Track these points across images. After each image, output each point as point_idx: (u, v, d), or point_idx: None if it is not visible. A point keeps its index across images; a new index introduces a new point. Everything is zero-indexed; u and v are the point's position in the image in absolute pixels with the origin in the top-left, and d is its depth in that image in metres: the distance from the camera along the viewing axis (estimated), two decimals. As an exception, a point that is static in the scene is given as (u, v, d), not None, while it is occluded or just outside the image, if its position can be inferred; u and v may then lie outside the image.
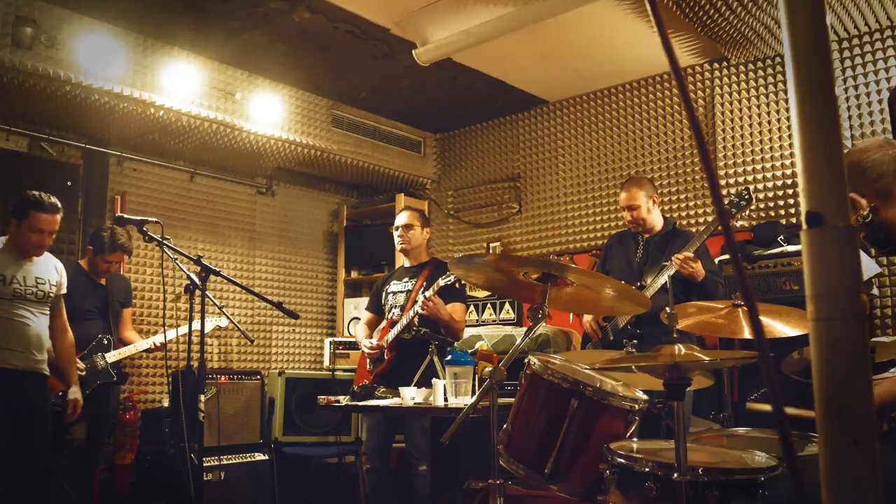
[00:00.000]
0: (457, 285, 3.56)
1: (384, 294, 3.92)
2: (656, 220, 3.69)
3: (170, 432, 4.31)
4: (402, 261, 4.04)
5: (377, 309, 3.97)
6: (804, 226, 0.80)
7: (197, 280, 3.14)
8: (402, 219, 3.88)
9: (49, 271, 3.49)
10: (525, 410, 2.25)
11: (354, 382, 3.86)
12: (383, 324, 3.87)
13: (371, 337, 3.87)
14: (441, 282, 3.50)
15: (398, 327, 3.67)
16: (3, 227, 4.40)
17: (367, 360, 3.82)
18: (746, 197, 3.35)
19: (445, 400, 2.94)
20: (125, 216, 3.30)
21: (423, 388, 3.09)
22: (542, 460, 2.13)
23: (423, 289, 3.68)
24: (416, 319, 3.56)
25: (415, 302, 3.63)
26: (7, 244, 3.39)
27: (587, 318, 3.76)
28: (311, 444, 4.83)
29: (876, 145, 1.79)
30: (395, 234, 3.89)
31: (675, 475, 1.72)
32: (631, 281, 3.49)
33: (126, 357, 4.09)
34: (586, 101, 5.30)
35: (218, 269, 3.16)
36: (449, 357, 2.98)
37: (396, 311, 3.78)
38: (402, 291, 3.82)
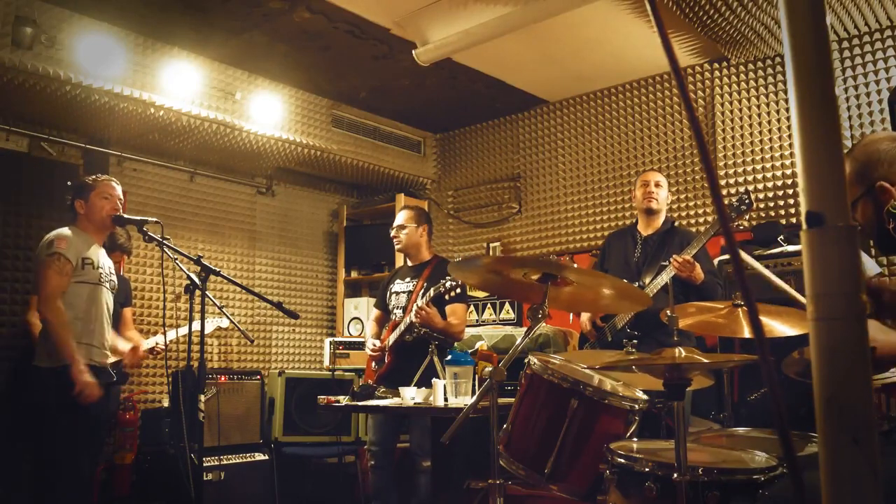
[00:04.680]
0: (449, 295, 3.50)
1: (388, 293, 3.94)
2: (663, 214, 3.74)
3: (170, 432, 4.31)
4: (403, 260, 4.05)
5: (384, 307, 4.00)
6: (804, 226, 0.80)
7: (197, 280, 3.14)
8: (396, 220, 3.91)
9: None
10: (525, 410, 2.26)
11: (360, 381, 3.88)
12: (388, 324, 3.89)
13: (379, 335, 3.89)
14: (432, 292, 3.50)
15: (398, 330, 3.68)
16: (4, 229, 4.42)
17: (373, 361, 3.85)
18: (747, 201, 3.35)
19: (445, 400, 2.94)
20: (125, 216, 3.31)
21: (423, 388, 3.09)
22: (542, 460, 2.13)
23: (423, 290, 3.69)
24: (417, 323, 3.56)
25: (415, 304, 3.64)
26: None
27: (584, 317, 3.76)
28: (311, 444, 4.82)
29: (884, 137, 1.77)
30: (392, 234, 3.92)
31: (675, 475, 1.72)
32: (629, 280, 3.49)
33: (126, 357, 4.09)
34: (586, 101, 5.30)
35: (218, 269, 3.16)
36: (449, 357, 2.99)
37: (399, 311, 3.79)
38: (403, 292, 3.84)
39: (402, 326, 3.65)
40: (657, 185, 3.71)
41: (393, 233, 3.89)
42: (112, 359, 3.93)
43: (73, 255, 3.13)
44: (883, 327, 1.65)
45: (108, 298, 3.32)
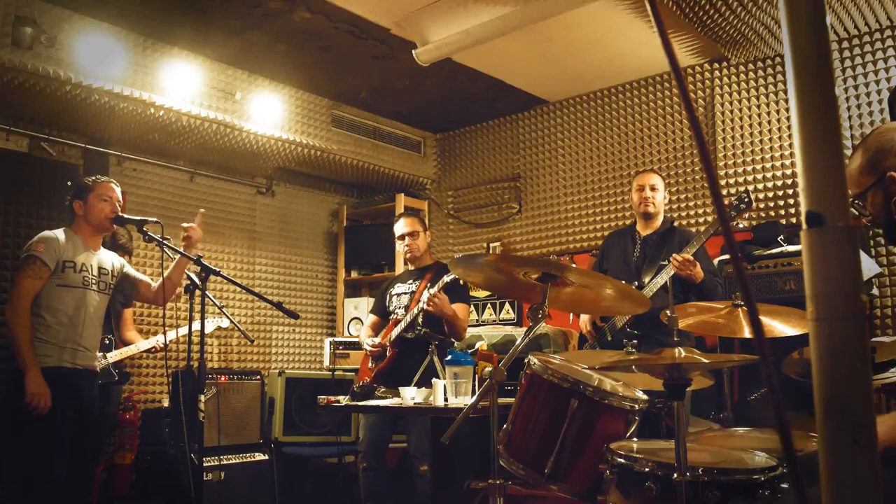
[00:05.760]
0: (461, 281, 3.58)
1: (388, 297, 3.95)
2: (661, 215, 3.74)
3: (170, 432, 4.31)
4: (403, 264, 4.06)
5: (381, 312, 4.00)
6: (804, 226, 0.80)
7: (197, 280, 3.15)
8: (405, 227, 3.88)
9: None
10: (525, 410, 2.25)
11: (356, 380, 3.88)
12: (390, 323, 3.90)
13: (375, 337, 3.89)
14: (446, 278, 3.52)
15: (402, 325, 3.69)
16: (4, 229, 4.42)
17: (369, 359, 3.84)
18: (746, 200, 3.35)
19: (445, 400, 2.94)
20: (125, 216, 3.31)
21: (423, 388, 3.09)
22: (542, 460, 2.13)
23: (427, 289, 3.70)
24: (419, 317, 3.57)
25: (419, 301, 3.65)
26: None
27: (583, 318, 3.76)
28: (311, 444, 4.83)
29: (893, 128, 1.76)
30: (401, 243, 3.90)
31: (675, 475, 1.72)
32: (629, 280, 3.49)
33: (127, 357, 4.09)
34: (586, 101, 5.30)
35: (218, 269, 3.16)
36: (449, 357, 2.98)
37: (400, 311, 3.81)
38: (405, 293, 3.86)
39: (408, 318, 3.67)
40: (653, 188, 3.69)
41: (406, 242, 3.86)
42: (111, 360, 3.94)
43: (50, 257, 3.12)
44: (881, 418, 1.60)
45: (96, 301, 3.30)
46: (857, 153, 1.75)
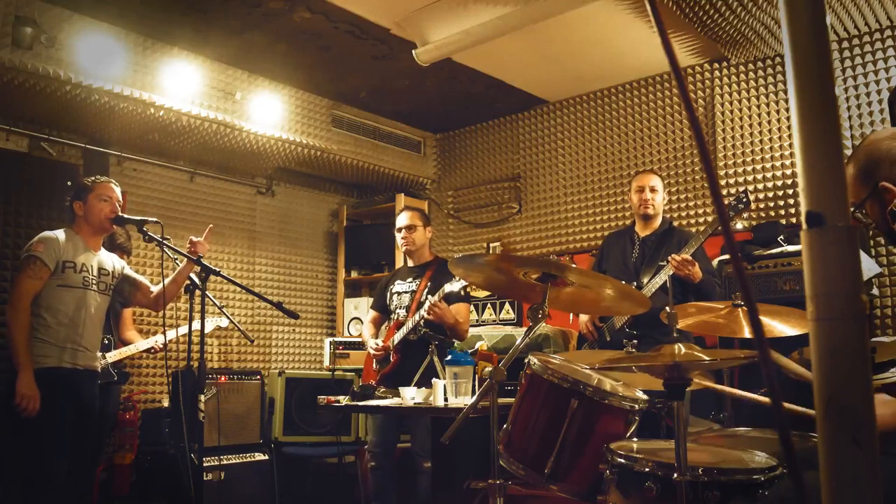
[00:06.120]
0: (462, 293, 3.57)
1: (388, 294, 3.95)
2: (660, 216, 3.73)
3: (170, 432, 4.31)
4: (403, 261, 4.06)
5: (382, 308, 4.00)
6: (804, 226, 0.80)
7: (197, 280, 3.15)
8: (404, 220, 3.90)
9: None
10: (525, 410, 2.25)
11: (358, 381, 3.89)
12: (389, 324, 3.89)
13: (377, 336, 3.89)
14: (447, 288, 3.51)
15: (404, 330, 3.69)
16: (4, 229, 4.42)
17: (374, 361, 3.84)
18: (745, 200, 3.35)
19: (445, 400, 2.94)
20: (124, 216, 3.31)
21: (423, 388, 3.09)
22: (542, 460, 2.13)
23: (427, 290, 3.70)
24: (421, 322, 3.58)
25: (419, 303, 3.65)
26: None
27: (583, 318, 3.76)
28: (311, 444, 4.82)
29: (885, 136, 1.77)
30: (399, 235, 3.92)
31: (675, 475, 1.72)
32: (627, 281, 3.49)
33: (126, 357, 4.10)
34: (586, 101, 5.30)
35: (218, 269, 3.17)
36: (449, 357, 2.98)
37: (402, 312, 3.81)
38: (406, 292, 3.85)
39: (409, 324, 3.66)
40: (652, 189, 3.69)
41: (403, 234, 3.88)
42: (110, 359, 3.94)
43: (50, 258, 3.12)
44: (884, 399, 1.62)
45: (97, 301, 3.30)
46: (849, 165, 1.76)
